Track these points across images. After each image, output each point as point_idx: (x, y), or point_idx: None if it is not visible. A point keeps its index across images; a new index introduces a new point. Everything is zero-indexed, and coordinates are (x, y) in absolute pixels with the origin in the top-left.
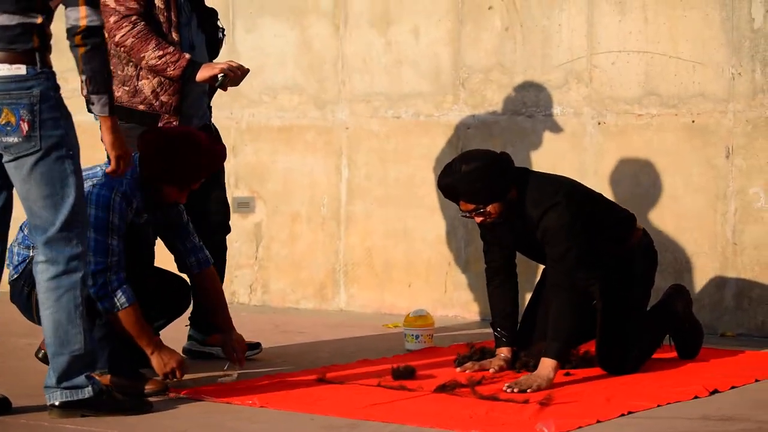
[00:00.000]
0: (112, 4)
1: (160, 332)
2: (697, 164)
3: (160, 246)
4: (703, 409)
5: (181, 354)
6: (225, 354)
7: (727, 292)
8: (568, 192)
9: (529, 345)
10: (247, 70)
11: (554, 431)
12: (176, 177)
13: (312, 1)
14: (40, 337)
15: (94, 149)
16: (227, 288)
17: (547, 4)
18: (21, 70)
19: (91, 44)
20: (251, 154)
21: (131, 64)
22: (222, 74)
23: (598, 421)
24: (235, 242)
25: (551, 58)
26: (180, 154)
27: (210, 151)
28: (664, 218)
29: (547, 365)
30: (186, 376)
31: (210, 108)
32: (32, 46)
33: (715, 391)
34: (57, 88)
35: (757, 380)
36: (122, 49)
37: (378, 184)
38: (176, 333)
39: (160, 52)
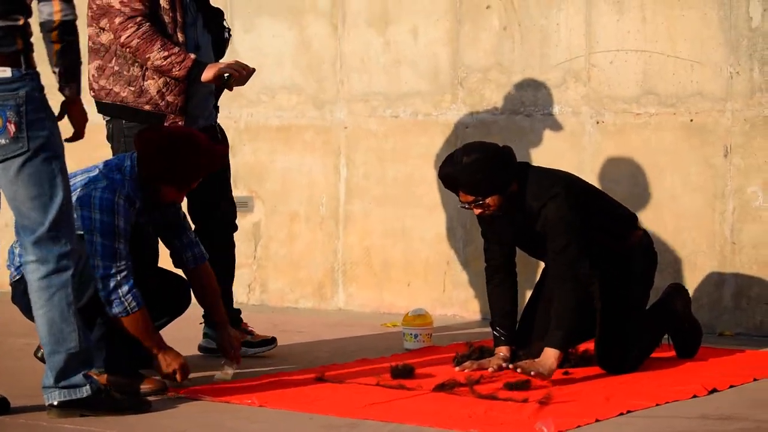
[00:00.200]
0: (117, 6)
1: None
2: (695, 163)
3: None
4: (701, 409)
5: (184, 357)
6: (220, 350)
7: (726, 291)
8: (567, 184)
9: (528, 344)
10: (253, 70)
11: (553, 430)
12: (175, 177)
13: (310, 0)
14: (38, 337)
15: (94, 149)
16: None
17: (545, 4)
18: (6, 72)
19: (66, 41)
20: (250, 154)
21: (137, 64)
22: (227, 74)
23: (597, 420)
24: None
25: (549, 58)
26: (179, 154)
27: (209, 151)
28: (663, 217)
29: (549, 354)
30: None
31: (217, 108)
32: (16, 48)
33: (714, 391)
34: (41, 88)
35: (755, 379)
36: (128, 50)
37: (376, 183)
38: (191, 332)
39: (165, 53)
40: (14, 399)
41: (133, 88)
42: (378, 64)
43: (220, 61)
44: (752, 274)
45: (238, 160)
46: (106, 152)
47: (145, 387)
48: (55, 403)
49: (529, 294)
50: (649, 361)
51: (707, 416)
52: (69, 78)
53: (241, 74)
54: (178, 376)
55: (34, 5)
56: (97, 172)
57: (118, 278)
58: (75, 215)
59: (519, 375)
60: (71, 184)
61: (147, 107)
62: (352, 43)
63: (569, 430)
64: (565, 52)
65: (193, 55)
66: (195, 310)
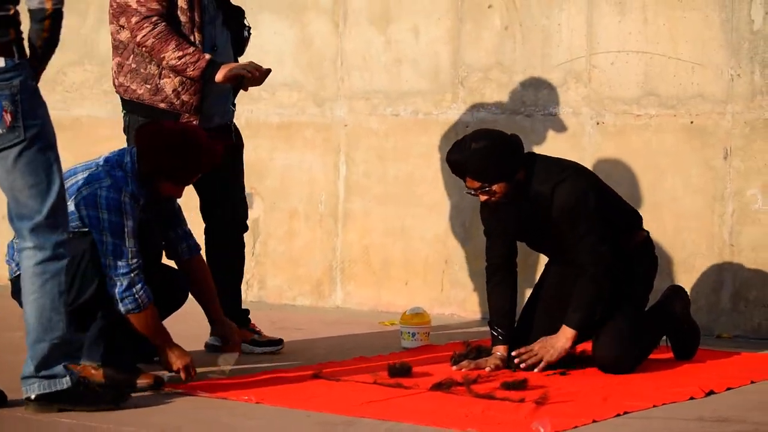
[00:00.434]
0: (134, 5)
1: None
2: (695, 165)
3: None
4: (698, 410)
5: (190, 355)
6: (222, 340)
7: (724, 293)
8: (577, 169)
9: (527, 343)
10: (268, 71)
11: (550, 430)
12: (173, 172)
13: None
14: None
15: (93, 144)
16: None
17: (547, 4)
18: (0, 62)
19: (55, 29)
20: (250, 151)
21: (154, 62)
22: (241, 75)
23: (594, 421)
24: None
25: (550, 58)
26: (177, 150)
27: (207, 147)
28: (662, 219)
29: (564, 333)
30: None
31: (234, 106)
32: (9, 38)
33: (711, 393)
34: (34, 77)
35: (753, 382)
36: (143, 49)
37: (376, 181)
38: (198, 330)
39: (180, 53)
40: (12, 393)
41: (149, 86)
42: (379, 63)
43: (239, 60)
44: (751, 276)
45: None
46: (105, 146)
47: (142, 382)
48: (33, 396)
49: (528, 294)
50: (647, 362)
51: (704, 418)
52: (44, 61)
53: (254, 75)
54: (182, 375)
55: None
56: (98, 169)
57: (132, 276)
58: (81, 215)
59: (516, 375)
60: (73, 181)
61: (162, 105)
62: (353, 41)
63: (566, 431)
64: (566, 52)
65: (207, 55)
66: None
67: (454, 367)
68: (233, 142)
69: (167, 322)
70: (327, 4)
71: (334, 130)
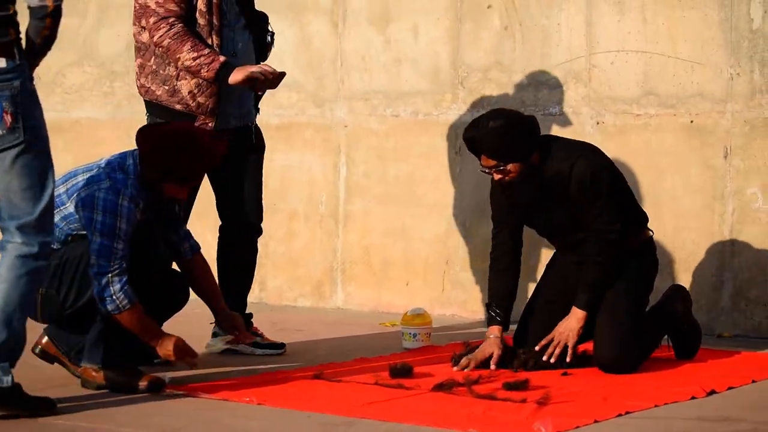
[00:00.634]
0: (153, 6)
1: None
2: (695, 164)
3: None
4: (700, 410)
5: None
6: (224, 330)
7: (724, 292)
8: (593, 149)
9: (528, 343)
10: (282, 74)
11: (551, 430)
12: (176, 174)
13: None
14: (36, 332)
15: (93, 146)
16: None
17: (546, 4)
18: (1, 63)
19: (54, 30)
20: None
21: (172, 64)
22: (254, 79)
23: (596, 421)
24: None
25: (550, 58)
26: (180, 152)
27: (210, 148)
28: (662, 218)
29: (575, 314)
30: (182, 373)
31: (257, 109)
32: (9, 39)
33: (712, 392)
34: (32, 79)
35: (754, 381)
36: (160, 49)
37: (376, 182)
38: (200, 330)
39: (195, 54)
40: None
41: (167, 87)
42: (378, 63)
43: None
44: (751, 275)
45: None
46: (104, 148)
47: (142, 383)
48: None
49: (528, 294)
50: (648, 362)
51: (705, 418)
52: (40, 55)
53: (267, 77)
54: (181, 362)
55: None
56: (99, 171)
57: (110, 276)
58: (77, 216)
59: (517, 375)
60: (74, 183)
61: (178, 107)
62: (352, 41)
63: (568, 431)
64: (565, 52)
65: (222, 57)
66: (203, 310)
67: (455, 368)
68: (253, 143)
69: (168, 324)
70: (326, 5)
71: (333, 130)
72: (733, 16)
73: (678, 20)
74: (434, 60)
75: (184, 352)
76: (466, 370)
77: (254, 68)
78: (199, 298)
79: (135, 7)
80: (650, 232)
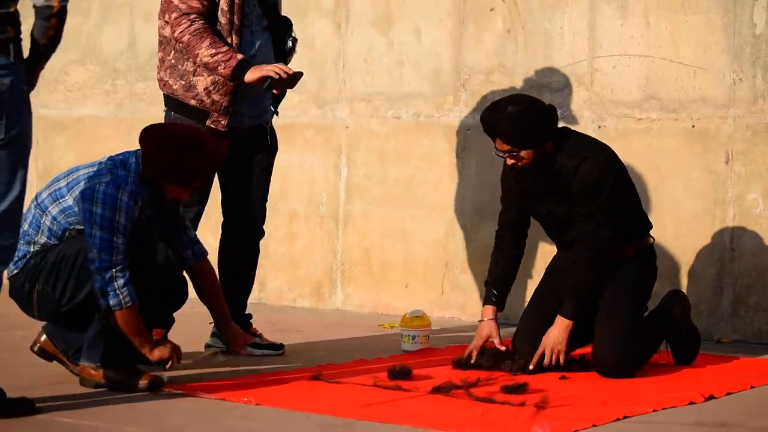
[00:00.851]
0: (176, 2)
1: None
2: (696, 169)
3: None
4: (698, 415)
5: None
6: (225, 344)
7: (724, 298)
8: (606, 151)
9: (526, 346)
10: (299, 74)
11: None
12: (178, 176)
13: None
14: (35, 330)
15: (95, 143)
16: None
17: (549, 7)
18: None
19: (60, 30)
20: None
21: (191, 59)
22: (269, 77)
23: (594, 425)
24: None
25: (552, 61)
26: (182, 154)
27: (213, 152)
28: (663, 223)
29: (558, 324)
30: (182, 373)
31: (275, 111)
32: (7, 36)
33: (711, 397)
34: (25, 81)
35: (752, 387)
36: (180, 44)
37: (377, 183)
38: (199, 330)
39: (213, 51)
40: (11, 391)
41: (183, 82)
42: (380, 65)
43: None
44: (751, 281)
45: None
46: (106, 146)
47: (141, 382)
48: None
49: (528, 295)
50: (647, 367)
51: (704, 423)
52: (47, 56)
53: (282, 77)
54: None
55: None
56: (101, 166)
57: (114, 271)
58: (76, 209)
59: (516, 378)
60: (74, 177)
61: (193, 102)
62: (355, 43)
63: None
64: (568, 55)
65: (240, 56)
66: (203, 309)
67: (462, 361)
68: (267, 144)
69: None
70: (329, 6)
71: (335, 131)
72: (736, 21)
73: (681, 25)
74: (436, 62)
75: (178, 352)
76: (472, 359)
77: (270, 67)
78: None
79: (162, 1)
80: (651, 239)
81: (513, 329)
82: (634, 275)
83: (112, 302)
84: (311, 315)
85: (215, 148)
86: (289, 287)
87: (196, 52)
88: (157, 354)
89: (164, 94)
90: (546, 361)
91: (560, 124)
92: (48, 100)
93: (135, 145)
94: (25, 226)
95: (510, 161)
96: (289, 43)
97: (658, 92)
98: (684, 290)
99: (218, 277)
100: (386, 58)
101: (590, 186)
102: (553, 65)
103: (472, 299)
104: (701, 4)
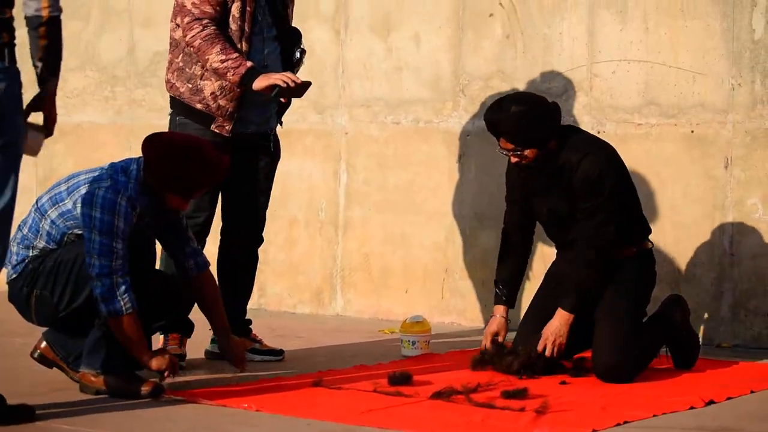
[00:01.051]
0: (189, 6)
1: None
2: (695, 174)
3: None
4: (698, 420)
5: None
6: (226, 357)
7: (724, 302)
8: (609, 149)
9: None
10: (307, 83)
11: None
12: (179, 186)
13: (313, 5)
14: (35, 337)
15: (94, 149)
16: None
17: (548, 13)
18: None
19: (53, 35)
20: None
21: (199, 63)
22: (276, 86)
23: (594, 430)
24: None
25: (552, 67)
26: (184, 164)
27: (214, 163)
28: (663, 228)
29: (558, 315)
30: (181, 379)
31: (278, 117)
32: (2, 41)
33: (711, 402)
34: (20, 85)
35: (752, 391)
36: (191, 49)
37: (376, 189)
38: (199, 336)
39: (223, 57)
40: (11, 398)
41: (190, 86)
42: (380, 70)
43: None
44: (750, 286)
45: None
46: (105, 152)
47: (144, 389)
48: None
49: (527, 296)
50: (647, 371)
51: (704, 428)
52: (50, 71)
53: (290, 86)
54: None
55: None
56: (102, 172)
57: (115, 277)
58: (75, 213)
59: (516, 383)
60: (75, 182)
61: (199, 106)
62: (354, 49)
63: None
64: (567, 61)
65: (249, 63)
66: (201, 315)
67: (480, 354)
68: (270, 150)
69: None
70: (328, 12)
71: (334, 137)
72: (735, 26)
73: (680, 30)
74: (435, 68)
75: (175, 363)
76: (488, 347)
77: (278, 76)
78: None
79: (174, 4)
80: (650, 244)
81: (512, 333)
82: (634, 279)
83: (113, 307)
84: (311, 321)
85: (217, 159)
86: (289, 293)
87: (206, 57)
88: (155, 364)
89: (170, 96)
90: (548, 351)
91: None
92: None
93: (134, 152)
94: (24, 230)
95: (514, 159)
96: (297, 54)
97: (658, 97)
98: (683, 295)
99: (218, 283)
100: (385, 64)
101: (591, 182)
102: (552, 71)
103: (472, 304)
104: (700, 9)
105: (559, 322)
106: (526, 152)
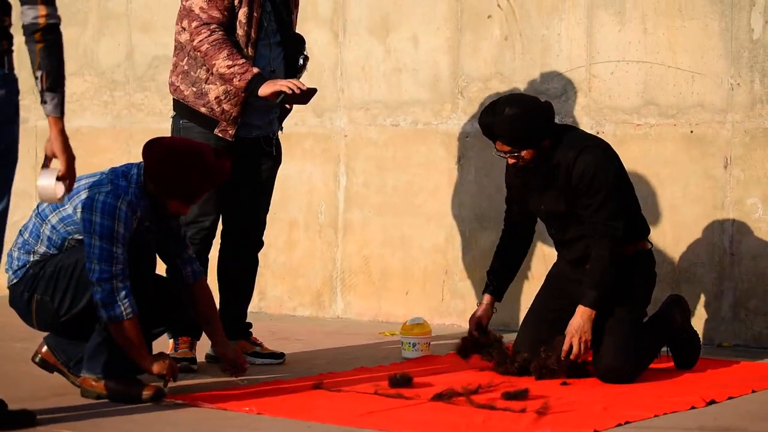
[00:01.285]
0: (197, 11)
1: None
2: (695, 174)
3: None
4: (699, 420)
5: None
6: (225, 363)
7: (724, 302)
8: (604, 145)
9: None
10: (313, 90)
11: None
12: (179, 191)
13: (311, 8)
14: (36, 342)
15: (92, 155)
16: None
17: (547, 14)
18: None
19: (50, 41)
20: None
21: (204, 67)
22: (283, 92)
23: (595, 431)
24: None
25: (550, 68)
26: (184, 170)
27: (214, 168)
28: (662, 228)
29: (581, 312)
30: (182, 383)
31: (278, 122)
32: (2, 49)
33: (712, 402)
34: (18, 92)
35: (753, 391)
36: (198, 53)
37: (376, 191)
38: (202, 339)
39: (230, 62)
40: (12, 403)
41: (195, 89)
42: (378, 72)
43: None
44: (751, 285)
45: None
46: (104, 157)
47: (146, 393)
48: None
49: (527, 297)
50: (648, 372)
51: (705, 428)
52: (51, 83)
53: (296, 92)
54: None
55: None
56: (102, 177)
57: (116, 282)
58: (75, 218)
59: (517, 384)
60: (75, 187)
61: (203, 109)
62: (352, 51)
63: None
64: (566, 62)
65: (256, 69)
66: None
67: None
68: (272, 154)
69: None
70: (326, 14)
71: (333, 140)
72: (734, 26)
73: (678, 30)
74: (434, 70)
75: (175, 369)
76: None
77: (284, 82)
78: None
79: (180, 7)
80: (650, 244)
81: (513, 335)
82: (634, 280)
83: (114, 313)
84: (311, 323)
85: (217, 165)
86: (289, 296)
87: (213, 62)
88: (156, 368)
89: (174, 98)
90: (575, 350)
91: None
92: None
93: (134, 156)
94: (25, 235)
95: (511, 161)
96: (300, 61)
97: (656, 98)
98: (684, 295)
99: (218, 287)
100: (384, 65)
101: (590, 177)
102: (550, 72)
103: (472, 306)
104: (698, 9)
105: (581, 319)
106: (523, 153)
